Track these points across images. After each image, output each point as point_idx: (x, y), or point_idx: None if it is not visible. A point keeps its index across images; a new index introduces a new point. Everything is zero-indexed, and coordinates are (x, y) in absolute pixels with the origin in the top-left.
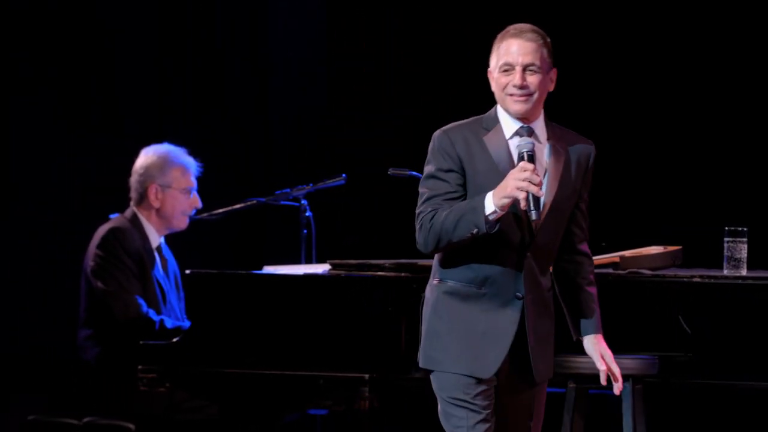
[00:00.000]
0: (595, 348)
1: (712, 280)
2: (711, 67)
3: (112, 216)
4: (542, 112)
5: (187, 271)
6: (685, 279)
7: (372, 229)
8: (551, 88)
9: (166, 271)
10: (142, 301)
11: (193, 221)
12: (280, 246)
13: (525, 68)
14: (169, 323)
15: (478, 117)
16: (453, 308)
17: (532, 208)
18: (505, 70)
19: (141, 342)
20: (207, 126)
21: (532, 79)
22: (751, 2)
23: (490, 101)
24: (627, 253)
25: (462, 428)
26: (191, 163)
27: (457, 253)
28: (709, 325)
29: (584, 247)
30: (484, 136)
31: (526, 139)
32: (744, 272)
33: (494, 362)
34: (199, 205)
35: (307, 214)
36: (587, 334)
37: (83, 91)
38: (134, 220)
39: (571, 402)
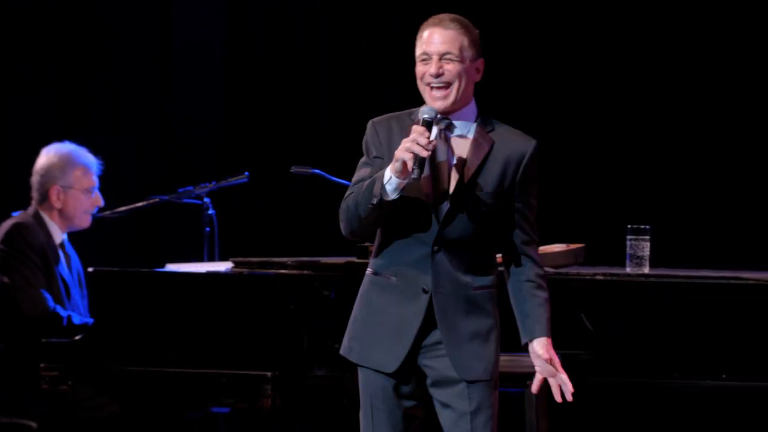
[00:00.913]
0: (531, 354)
1: (615, 278)
2: (614, 63)
3: (14, 214)
4: (471, 104)
5: (90, 269)
6: (587, 277)
7: (275, 227)
8: (477, 78)
9: (69, 267)
10: (48, 296)
11: (96, 219)
12: (183, 244)
13: (441, 57)
14: (76, 319)
15: (412, 109)
16: (371, 298)
17: (415, 166)
18: (423, 60)
19: (43, 340)
20: (111, 124)
21: (449, 68)
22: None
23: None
24: None
25: (368, 428)
26: (93, 162)
27: (380, 242)
28: (612, 323)
29: (530, 250)
30: (409, 126)
31: (430, 107)
32: (646, 270)
33: (397, 356)
34: (101, 203)
35: (209, 212)
36: (524, 339)
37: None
38: (37, 218)
39: None
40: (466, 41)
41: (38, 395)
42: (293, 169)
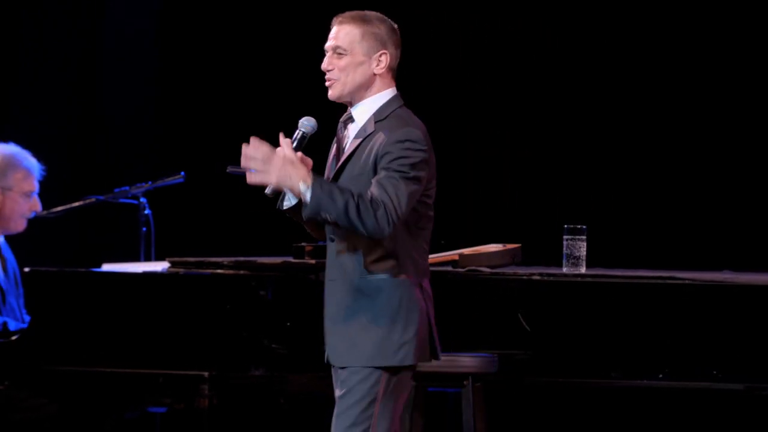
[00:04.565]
0: None
1: (552, 278)
2: (547, 64)
3: None
4: (376, 96)
5: (26, 269)
6: (524, 277)
7: (211, 226)
8: (377, 70)
9: (5, 269)
10: None
11: (33, 219)
12: (120, 244)
13: (334, 51)
14: (12, 326)
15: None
16: None
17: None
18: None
19: None
20: (48, 122)
21: (337, 62)
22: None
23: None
24: (466, 251)
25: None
26: (34, 167)
27: None
28: (549, 322)
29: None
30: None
31: (310, 120)
32: (583, 270)
33: (326, 347)
34: (39, 208)
35: (146, 212)
36: None
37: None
38: None
39: (410, 401)
40: (359, 35)
41: None
42: (229, 169)
